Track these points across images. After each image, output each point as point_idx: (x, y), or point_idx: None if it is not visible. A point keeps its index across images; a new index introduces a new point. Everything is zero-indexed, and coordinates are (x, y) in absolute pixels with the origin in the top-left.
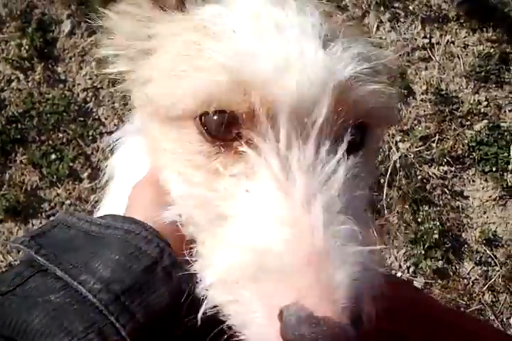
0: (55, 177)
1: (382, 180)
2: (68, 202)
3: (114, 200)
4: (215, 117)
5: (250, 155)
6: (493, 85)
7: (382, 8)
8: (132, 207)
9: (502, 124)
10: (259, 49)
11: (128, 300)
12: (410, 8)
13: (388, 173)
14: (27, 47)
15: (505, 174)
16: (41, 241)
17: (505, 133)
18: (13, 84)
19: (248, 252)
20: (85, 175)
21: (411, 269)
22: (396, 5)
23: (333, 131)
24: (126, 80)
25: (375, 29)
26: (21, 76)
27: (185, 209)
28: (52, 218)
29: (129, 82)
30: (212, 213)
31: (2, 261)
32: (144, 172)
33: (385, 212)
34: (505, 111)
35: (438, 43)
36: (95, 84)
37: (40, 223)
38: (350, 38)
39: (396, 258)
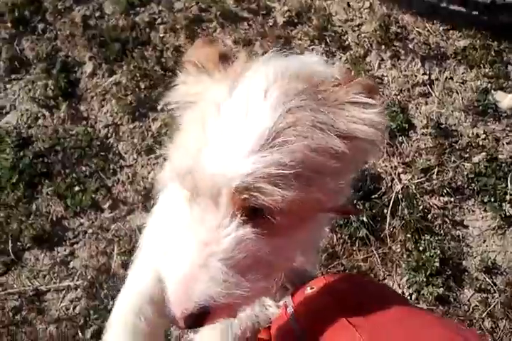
0: (78, 207)
1: (385, 210)
2: (91, 230)
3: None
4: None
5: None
6: (491, 119)
7: (383, 47)
8: None
9: (500, 156)
10: (208, 145)
11: None
12: (410, 46)
13: (391, 204)
14: (52, 87)
15: (503, 204)
16: None
17: (503, 165)
18: (40, 121)
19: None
20: (106, 205)
21: (413, 296)
22: (396, 44)
23: (233, 211)
24: None
25: (376, 67)
26: (47, 114)
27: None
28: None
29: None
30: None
31: (29, 286)
32: None
33: (388, 240)
34: (502, 144)
35: (437, 79)
36: (115, 121)
37: (65, 250)
38: (304, 127)
39: (399, 285)
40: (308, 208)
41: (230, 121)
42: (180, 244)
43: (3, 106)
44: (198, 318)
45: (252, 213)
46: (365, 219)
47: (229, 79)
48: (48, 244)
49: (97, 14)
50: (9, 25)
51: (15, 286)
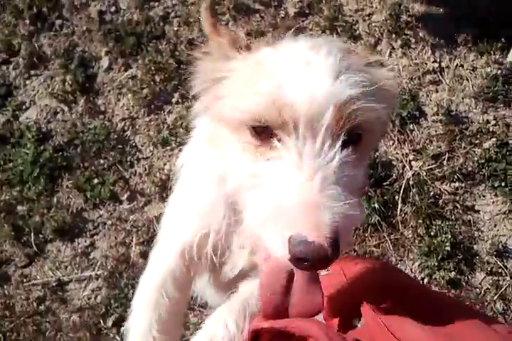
0: (97, 199)
1: (396, 197)
2: (110, 222)
3: (181, 194)
4: (260, 127)
5: (279, 147)
6: (501, 105)
7: (394, 36)
8: None
9: (510, 141)
10: (290, 82)
11: None
12: (420, 34)
13: (402, 190)
14: (70, 82)
15: None
16: None
17: None
18: (59, 116)
19: (270, 205)
20: (125, 197)
21: (425, 280)
22: (407, 32)
23: (334, 133)
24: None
25: (387, 55)
26: (65, 108)
27: (235, 181)
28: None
29: (207, 99)
30: (252, 182)
31: (52, 277)
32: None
33: (400, 226)
34: None
35: (447, 67)
36: (132, 115)
37: (85, 241)
38: (356, 70)
39: (411, 269)
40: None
41: (301, 64)
42: (283, 179)
43: (23, 101)
44: (337, 241)
45: (353, 136)
46: (376, 205)
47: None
48: (69, 235)
49: (112, 9)
50: (27, 22)
51: (38, 277)
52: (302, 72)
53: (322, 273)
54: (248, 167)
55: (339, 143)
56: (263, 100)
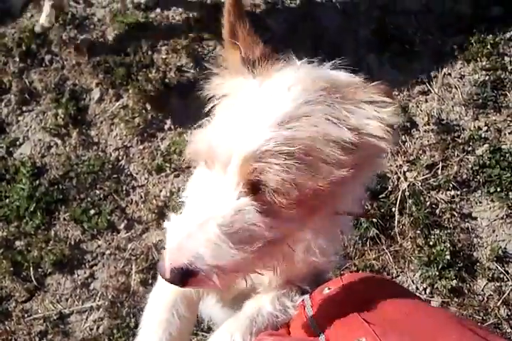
0: (95, 230)
1: (393, 209)
2: (108, 252)
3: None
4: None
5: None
6: (491, 110)
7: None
8: None
9: (503, 147)
10: (227, 124)
11: None
12: (406, 46)
13: (398, 202)
14: (62, 115)
15: (509, 193)
16: None
17: (507, 155)
18: (53, 150)
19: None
20: (122, 226)
21: (427, 290)
22: (393, 45)
23: (239, 182)
24: None
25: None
26: (59, 142)
27: None
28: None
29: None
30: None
31: (53, 310)
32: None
33: (399, 238)
34: (505, 134)
35: (435, 76)
36: (125, 144)
37: (85, 273)
38: (311, 123)
39: (413, 281)
40: (311, 197)
41: (253, 106)
42: (189, 206)
43: (17, 138)
44: (184, 275)
45: (256, 188)
46: (374, 219)
47: (261, 76)
48: (68, 268)
49: (101, 40)
50: (17, 59)
51: (39, 311)
52: (242, 116)
53: (324, 291)
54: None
55: (238, 192)
56: (202, 137)
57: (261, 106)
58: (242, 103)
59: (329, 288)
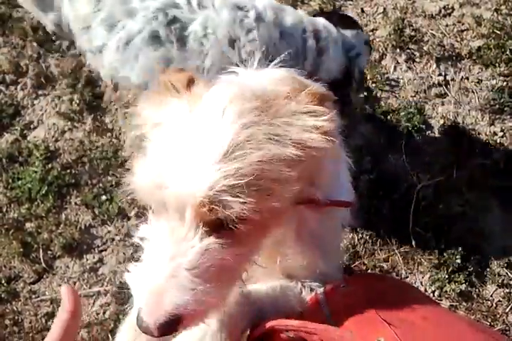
0: (106, 216)
1: (405, 210)
2: (118, 238)
3: None
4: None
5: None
6: (508, 116)
7: (398, 50)
8: None
9: None
10: (169, 160)
11: None
12: (425, 48)
13: (413, 204)
14: (77, 101)
15: None
16: None
17: None
18: (66, 134)
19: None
20: (133, 213)
21: (436, 293)
22: (411, 46)
23: (199, 222)
24: None
25: (392, 70)
26: (73, 127)
27: None
28: (104, 253)
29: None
30: None
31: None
32: None
33: (412, 238)
34: None
35: (453, 80)
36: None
37: (94, 257)
38: (252, 147)
39: (421, 282)
40: (269, 216)
41: (190, 139)
42: (148, 259)
43: (31, 121)
44: (171, 326)
45: (216, 224)
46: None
47: (191, 101)
48: (77, 251)
49: None
50: (35, 44)
51: (47, 293)
52: (182, 149)
53: (340, 288)
54: None
55: (199, 234)
56: (142, 175)
57: (199, 137)
58: (177, 133)
59: (344, 286)
